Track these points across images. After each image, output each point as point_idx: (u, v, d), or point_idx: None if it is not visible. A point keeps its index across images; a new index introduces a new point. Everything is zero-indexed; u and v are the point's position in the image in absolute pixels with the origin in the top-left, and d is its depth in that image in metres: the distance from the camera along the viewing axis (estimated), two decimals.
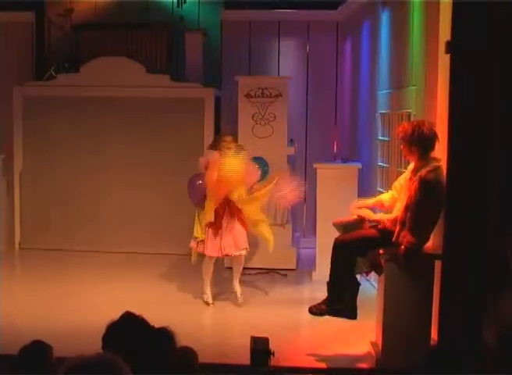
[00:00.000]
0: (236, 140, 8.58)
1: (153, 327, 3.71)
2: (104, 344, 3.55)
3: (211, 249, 8.11)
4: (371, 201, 6.59)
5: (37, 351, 4.05)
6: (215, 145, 8.31)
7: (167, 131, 10.80)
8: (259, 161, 9.18)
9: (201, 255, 8.30)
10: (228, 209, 8.14)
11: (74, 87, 10.87)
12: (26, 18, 11.68)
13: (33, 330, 6.96)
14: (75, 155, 10.96)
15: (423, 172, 5.93)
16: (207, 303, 8.21)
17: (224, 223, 8.11)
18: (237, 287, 8.29)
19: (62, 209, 11.02)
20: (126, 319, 3.67)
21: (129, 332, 3.59)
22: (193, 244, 8.28)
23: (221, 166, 8.07)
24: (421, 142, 6.00)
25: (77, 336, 6.74)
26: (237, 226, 8.15)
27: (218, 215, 8.09)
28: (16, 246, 11.11)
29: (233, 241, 8.12)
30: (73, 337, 6.74)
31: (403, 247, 5.92)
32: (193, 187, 8.50)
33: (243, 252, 8.25)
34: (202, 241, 8.15)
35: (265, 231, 8.40)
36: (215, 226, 8.08)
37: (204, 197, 8.25)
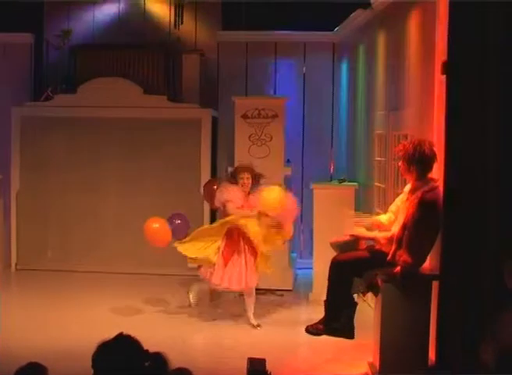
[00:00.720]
0: (253, 172, 8.37)
1: (147, 351, 3.64)
2: (93, 364, 3.51)
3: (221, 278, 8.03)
4: (368, 220, 6.58)
5: (33, 373, 4.02)
6: (233, 179, 8.28)
7: (164, 152, 10.82)
8: None
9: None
10: (243, 241, 8.07)
11: (71, 108, 10.90)
12: (25, 39, 11.73)
13: (29, 351, 6.91)
14: (72, 175, 10.96)
15: (421, 192, 5.94)
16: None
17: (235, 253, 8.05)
18: (253, 320, 8.18)
19: (59, 230, 11.01)
20: (119, 341, 3.62)
21: (121, 354, 3.54)
22: (204, 270, 8.16)
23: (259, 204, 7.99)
24: (421, 162, 6.01)
25: (73, 358, 6.70)
26: (247, 259, 8.07)
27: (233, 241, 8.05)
28: (13, 267, 11.07)
29: (240, 275, 8.04)
30: (70, 358, 6.71)
31: (399, 267, 5.91)
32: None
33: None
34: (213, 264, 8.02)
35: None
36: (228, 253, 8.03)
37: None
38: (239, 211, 8.03)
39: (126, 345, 3.59)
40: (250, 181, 8.20)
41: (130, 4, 12.07)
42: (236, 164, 8.73)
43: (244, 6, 11.25)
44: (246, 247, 8.04)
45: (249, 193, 8.21)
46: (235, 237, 8.04)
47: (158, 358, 3.67)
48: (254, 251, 8.06)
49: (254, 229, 8.00)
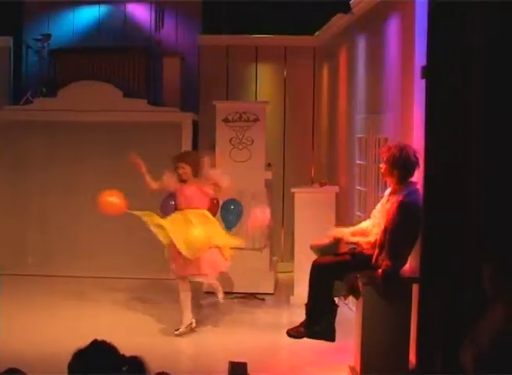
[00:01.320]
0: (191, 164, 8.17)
1: (123, 356, 3.62)
2: (69, 372, 3.50)
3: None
4: (349, 229, 6.57)
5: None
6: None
7: (144, 155, 10.69)
8: (233, 203, 9.16)
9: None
10: None
11: (51, 112, 10.84)
12: (4, 42, 11.65)
13: (9, 356, 6.86)
14: (51, 179, 10.90)
15: (401, 195, 5.97)
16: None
17: None
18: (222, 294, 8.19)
19: (39, 234, 10.94)
20: (94, 347, 3.60)
21: (97, 360, 3.52)
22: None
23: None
24: (404, 166, 6.03)
25: (54, 364, 6.65)
26: None
27: None
28: None
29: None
30: (50, 364, 6.66)
31: (380, 270, 5.93)
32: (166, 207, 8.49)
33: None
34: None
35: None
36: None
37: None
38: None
39: (101, 351, 3.57)
40: (186, 171, 8.01)
41: (111, 7, 12.04)
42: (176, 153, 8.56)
43: (225, 10, 11.26)
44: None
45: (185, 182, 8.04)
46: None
47: (135, 362, 3.64)
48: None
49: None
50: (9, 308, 9.01)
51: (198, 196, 8.03)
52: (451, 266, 5.45)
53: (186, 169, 8.02)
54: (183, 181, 8.03)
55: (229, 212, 9.40)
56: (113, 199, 8.17)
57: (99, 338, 3.60)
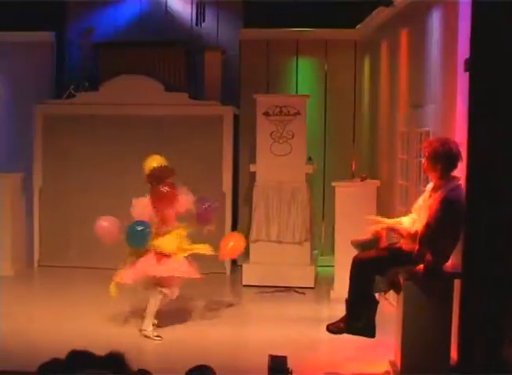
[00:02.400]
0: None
1: (100, 357, 3.68)
2: None
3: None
4: (389, 221, 6.53)
5: (57, 369, 4.05)
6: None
7: (186, 149, 10.83)
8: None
9: None
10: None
11: (93, 106, 10.95)
12: (47, 37, 11.80)
13: (51, 346, 6.97)
14: (94, 172, 11.00)
15: (444, 191, 5.90)
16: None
17: None
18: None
19: (81, 227, 11.02)
20: (71, 358, 3.68)
21: (76, 368, 3.59)
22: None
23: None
24: (447, 159, 5.96)
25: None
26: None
27: None
28: (35, 264, 11.15)
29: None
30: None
31: (421, 266, 5.88)
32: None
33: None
34: None
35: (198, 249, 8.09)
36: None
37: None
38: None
39: (79, 359, 3.66)
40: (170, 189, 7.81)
41: (152, 1, 12.10)
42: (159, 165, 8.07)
43: (266, 4, 11.24)
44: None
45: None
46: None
47: (112, 358, 3.72)
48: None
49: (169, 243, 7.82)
50: (50, 300, 9.16)
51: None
52: (493, 261, 5.39)
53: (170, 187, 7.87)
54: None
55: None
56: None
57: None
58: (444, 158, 5.96)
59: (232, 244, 8.30)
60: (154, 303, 7.80)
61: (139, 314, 8.34)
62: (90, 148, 11.04)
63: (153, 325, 7.73)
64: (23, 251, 10.99)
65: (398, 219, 6.55)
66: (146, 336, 7.63)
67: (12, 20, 11.14)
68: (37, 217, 11.16)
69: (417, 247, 5.96)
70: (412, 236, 6.05)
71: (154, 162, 8.00)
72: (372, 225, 6.39)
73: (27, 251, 11.10)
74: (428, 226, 5.90)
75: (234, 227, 11.19)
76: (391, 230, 6.34)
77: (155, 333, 7.64)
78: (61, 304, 8.92)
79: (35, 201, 11.17)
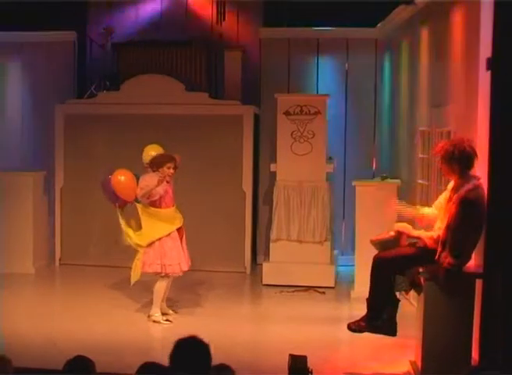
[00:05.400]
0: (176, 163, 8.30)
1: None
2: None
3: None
4: (411, 210, 6.48)
5: (82, 367, 4.09)
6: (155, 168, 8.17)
7: (206, 149, 10.85)
8: None
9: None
10: None
11: (114, 105, 11.00)
12: (68, 37, 11.87)
13: (75, 344, 7.01)
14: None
15: (463, 191, 5.87)
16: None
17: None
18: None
19: (103, 226, 11.09)
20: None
21: None
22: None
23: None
24: (462, 159, 5.95)
25: (117, 352, 6.80)
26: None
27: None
28: (57, 262, 11.21)
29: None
30: (113, 353, 6.80)
31: (442, 266, 5.86)
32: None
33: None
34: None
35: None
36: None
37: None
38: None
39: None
40: (174, 171, 8.18)
41: (173, 1, 12.13)
42: (159, 154, 8.41)
43: (286, 3, 11.24)
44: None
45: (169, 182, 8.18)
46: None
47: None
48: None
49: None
50: (72, 298, 9.21)
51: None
52: None
53: (174, 170, 8.18)
54: (167, 181, 8.15)
55: None
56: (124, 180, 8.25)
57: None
58: (458, 158, 5.95)
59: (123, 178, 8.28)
60: (159, 287, 8.02)
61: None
62: (111, 147, 11.08)
63: (165, 314, 8.04)
64: (44, 250, 11.06)
65: (420, 211, 6.48)
66: (155, 321, 7.88)
67: (33, 20, 11.23)
68: (58, 216, 11.23)
69: (439, 249, 5.94)
70: (435, 241, 6.03)
71: (153, 150, 8.37)
72: (396, 228, 6.35)
73: (49, 250, 11.18)
74: (448, 227, 5.88)
75: (254, 226, 11.20)
76: (415, 238, 6.31)
77: (164, 318, 7.90)
78: (82, 302, 8.96)
79: (57, 200, 11.24)
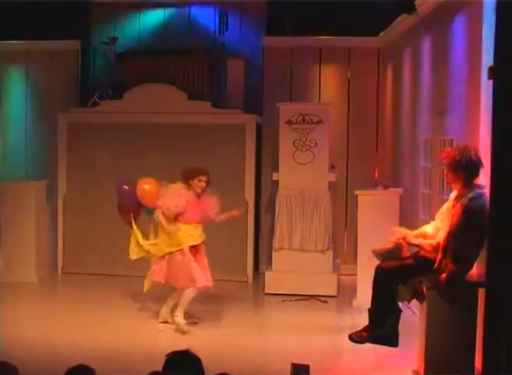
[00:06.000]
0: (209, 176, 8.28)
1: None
2: None
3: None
4: (413, 232, 6.49)
5: None
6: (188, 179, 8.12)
7: (208, 157, 10.83)
8: None
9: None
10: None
11: (117, 114, 11.02)
12: (72, 46, 11.92)
13: (76, 352, 7.01)
14: (118, 180, 11.03)
15: (467, 199, 5.87)
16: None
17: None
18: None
19: (105, 234, 11.11)
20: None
21: None
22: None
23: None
24: (468, 168, 5.94)
25: (119, 361, 6.79)
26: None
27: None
28: (59, 270, 11.22)
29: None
30: (115, 361, 6.79)
31: (445, 275, 5.85)
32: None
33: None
34: None
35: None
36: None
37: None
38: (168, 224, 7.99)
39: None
40: (206, 185, 8.11)
41: (175, 10, 12.16)
42: (190, 166, 8.42)
43: (289, 11, 11.26)
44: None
45: (200, 196, 8.10)
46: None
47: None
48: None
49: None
50: (74, 306, 9.20)
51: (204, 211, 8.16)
52: None
53: (207, 183, 8.11)
54: (197, 195, 8.07)
55: None
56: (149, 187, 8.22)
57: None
58: (465, 167, 5.94)
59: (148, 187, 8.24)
60: (188, 293, 7.98)
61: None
62: (113, 156, 11.10)
63: (165, 321, 8.04)
64: (47, 258, 11.06)
65: (421, 229, 6.51)
66: (177, 323, 7.85)
67: (37, 29, 11.27)
68: (61, 224, 11.24)
69: (439, 256, 5.93)
70: (435, 248, 6.02)
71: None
72: (396, 236, 6.35)
73: (51, 258, 11.19)
74: (450, 235, 5.87)
75: (256, 235, 11.19)
76: (415, 246, 6.31)
77: (186, 327, 7.86)
78: (84, 310, 8.95)
79: (59, 209, 11.25)
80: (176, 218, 8.03)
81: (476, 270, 6.06)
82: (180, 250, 7.98)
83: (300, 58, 11.63)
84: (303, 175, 10.06)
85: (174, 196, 8.00)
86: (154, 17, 12.24)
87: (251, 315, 8.71)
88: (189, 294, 8.00)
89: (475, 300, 5.89)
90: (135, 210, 8.32)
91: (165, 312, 8.22)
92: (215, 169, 10.80)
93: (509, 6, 5.30)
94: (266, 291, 9.79)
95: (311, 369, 5.72)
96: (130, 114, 10.96)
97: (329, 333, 8.11)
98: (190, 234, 8.07)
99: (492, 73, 5.55)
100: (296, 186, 10.09)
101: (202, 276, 8.00)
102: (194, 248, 8.09)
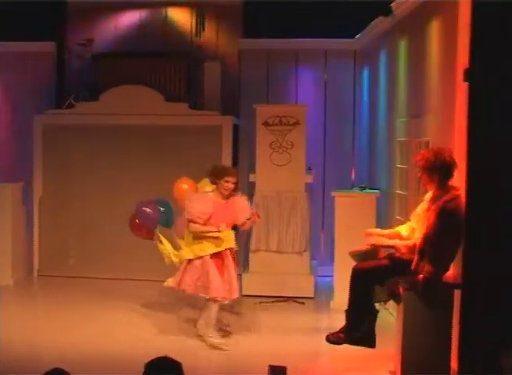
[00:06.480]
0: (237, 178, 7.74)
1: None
2: None
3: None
4: (386, 231, 6.53)
5: None
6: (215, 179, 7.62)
7: (185, 159, 10.83)
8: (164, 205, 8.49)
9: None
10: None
11: (93, 116, 10.97)
12: (47, 47, 11.85)
13: (53, 355, 6.97)
14: (94, 182, 11.00)
15: (442, 201, 5.90)
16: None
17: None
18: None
19: (81, 237, 11.06)
20: None
21: None
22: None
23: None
24: (442, 169, 5.97)
25: (95, 364, 6.75)
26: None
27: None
28: (35, 273, 11.14)
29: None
30: (92, 364, 6.75)
31: (421, 276, 5.88)
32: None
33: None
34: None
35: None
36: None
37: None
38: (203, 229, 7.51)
39: None
40: (234, 187, 7.57)
41: (152, 12, 12.13)
42: (218, 164, 8.18)
43: (265, 14, 11.27)
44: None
45: (228, 197, 7.62)
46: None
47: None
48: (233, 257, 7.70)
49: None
50: (51, 309, 9.14)
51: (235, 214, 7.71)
52: (493, 271, 5.38)
53: (235, 185, 7.59)
54: (225, 197, 7.60)
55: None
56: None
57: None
58: (439, 168, 5.97)
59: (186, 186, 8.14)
60: (210, 309, 7.61)
61: (135, 322, 8.33)
62: (90, 158, 11.05)
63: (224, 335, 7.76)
64: (22, 261, 10.97)
65: (396, 229, 6.55)
66: (211, 339, 7.48)
67: (12, 30, 11.18)
68: (37, 227, 11.16)
69: (415, 257, 5.96)
70: (411, 249, 6.05)
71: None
72: (371, 238, 6.38)
73: (27, 261, 11.10)
74: (426, 237, 5.90)
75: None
76: (390, 247, 6.33)
77: (223, 342, 7.51)
78: (60, 313, 8.90)
79: (35, 211, 11.17)
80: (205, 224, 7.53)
81: (452, 272, 6.10)
82: (201, 257, 7.51)
83: (277, 60, 11.66)
84: (280, 176, 10.07)
85: (200, 203, 7.52)
86: (130, 19, 12.19)
87: (228, 316, 8.69)
88: (210, 309, 7.60)
89: (451, 301, 5.92)
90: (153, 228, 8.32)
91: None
92: (191, 171, 10.82)
93: (484, 9, 5.35)
94: (243, 292, 9.78)
95: (288, 371, 5.73)
96: (106, 116, 10.91)
97: (306, 335, 8.12)
98: (213, 241, 7.51)
99: (468, 75, 5.59)
100: (273, 187, 10.10)
101: (221, 287, 7.49)
102: (221, 256, 7.55)
